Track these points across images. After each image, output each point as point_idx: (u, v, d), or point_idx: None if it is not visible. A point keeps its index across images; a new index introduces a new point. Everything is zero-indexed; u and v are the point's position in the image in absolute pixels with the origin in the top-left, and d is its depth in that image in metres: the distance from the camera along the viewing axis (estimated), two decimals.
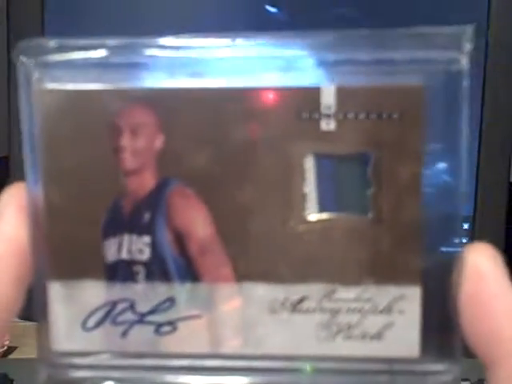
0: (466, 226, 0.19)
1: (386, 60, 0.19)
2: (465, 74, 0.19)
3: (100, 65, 0.20)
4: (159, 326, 0.21)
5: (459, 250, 0.19)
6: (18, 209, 0.21)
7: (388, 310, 0.20)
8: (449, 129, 0.19)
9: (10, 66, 0.44)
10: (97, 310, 0.21)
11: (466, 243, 0.20)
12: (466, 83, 0.19)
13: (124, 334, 0.21)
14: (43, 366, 0.21)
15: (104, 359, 0.21)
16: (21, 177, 0.21)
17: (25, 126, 0.20)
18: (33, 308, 0.21)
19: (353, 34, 0.19)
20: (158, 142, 0.20)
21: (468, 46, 0.19)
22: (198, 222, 0.20)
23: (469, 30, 0.19)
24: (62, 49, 0.20)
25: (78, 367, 0.21)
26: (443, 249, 0.20)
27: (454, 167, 0.19)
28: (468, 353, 0.20)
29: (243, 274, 0.20)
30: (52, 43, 0.20)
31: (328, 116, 0.19)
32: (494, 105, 0.32)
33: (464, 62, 0.19)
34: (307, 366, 0.21)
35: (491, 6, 0.44)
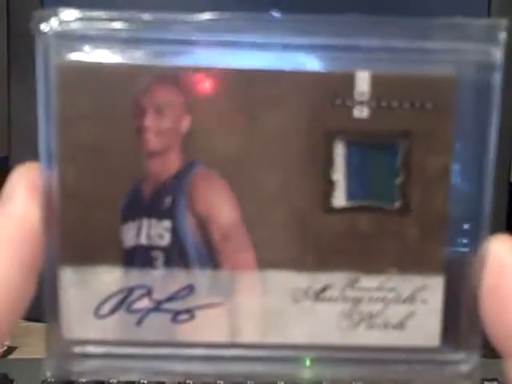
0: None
1: (420, 49, 0.19)
2: (498, 67, 0.19)
3: (125, 39, 0.19)
4: (176, 313, 0.20)
5: (481, 242, 0.20)
6: (30, 189, 0.19)
7: (411, 299, 0.20)
8: (478, 121, 0.19)
9: (10, 66, 0.42)
10: (111, 296, 0.20)
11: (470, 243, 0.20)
12: (498, 76, 0.19)
13: (139, 322, 0.20)
14: (53, 355, 0.20)
15: (117, 348, 0.20)
16: None
17: (41, 101, 0.19)
18: (42, 295, 0.20)
19: (388, 20, 0.19)
20: (185, 123, 0.19)
21: (502, 39, 0.19)
22: (221, 207, 0.20)
23: (504, 22, 0.19)
24: (83, 20, 0.19)
25: (89, 356, 0.20)
26: (466, 241, 0.20)
27: (481, 163, 0.20)
28: None
29: (266, 262, 0.20)
30: (74, 13, 0.19)
31: (361, 103, 0.19)
32: None
33: (498, 55, 0.19)
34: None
35: (491, 6, 0.44)
